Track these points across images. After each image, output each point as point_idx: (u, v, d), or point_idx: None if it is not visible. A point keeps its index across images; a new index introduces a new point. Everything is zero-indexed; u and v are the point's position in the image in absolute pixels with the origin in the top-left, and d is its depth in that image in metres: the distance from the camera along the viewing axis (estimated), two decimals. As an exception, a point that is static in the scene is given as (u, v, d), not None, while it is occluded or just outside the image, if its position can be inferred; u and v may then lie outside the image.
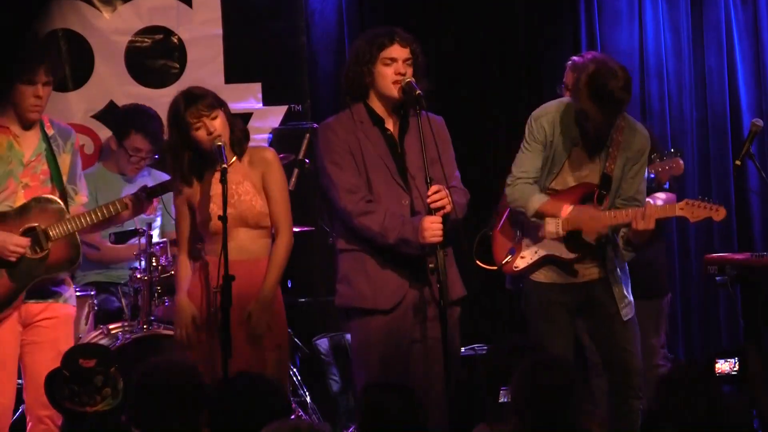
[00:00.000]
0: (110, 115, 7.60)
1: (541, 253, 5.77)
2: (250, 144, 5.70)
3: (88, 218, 5.74)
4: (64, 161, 5.84)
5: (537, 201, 5.70)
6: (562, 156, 5.73)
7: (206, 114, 5.49)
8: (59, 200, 5.75)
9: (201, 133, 5.50)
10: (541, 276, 5.79)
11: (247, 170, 5.57)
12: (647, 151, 5.83)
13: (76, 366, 4.65)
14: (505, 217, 5.92)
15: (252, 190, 5.55)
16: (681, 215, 5.73)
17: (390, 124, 5.56)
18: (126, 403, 4.57)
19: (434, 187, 5.36)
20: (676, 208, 5.71)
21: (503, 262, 5.85)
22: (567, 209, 5.68)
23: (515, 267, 5.81)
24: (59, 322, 5.79)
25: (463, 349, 6.65)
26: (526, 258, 5.81)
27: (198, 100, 5.52)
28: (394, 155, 5.53)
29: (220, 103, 5.55)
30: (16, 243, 5.62)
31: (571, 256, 5.73)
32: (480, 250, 5.92)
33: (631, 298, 5.81)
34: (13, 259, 5.62)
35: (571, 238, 5.72)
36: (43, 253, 5.69)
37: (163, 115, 7.74)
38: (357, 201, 5.46)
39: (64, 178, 5.82)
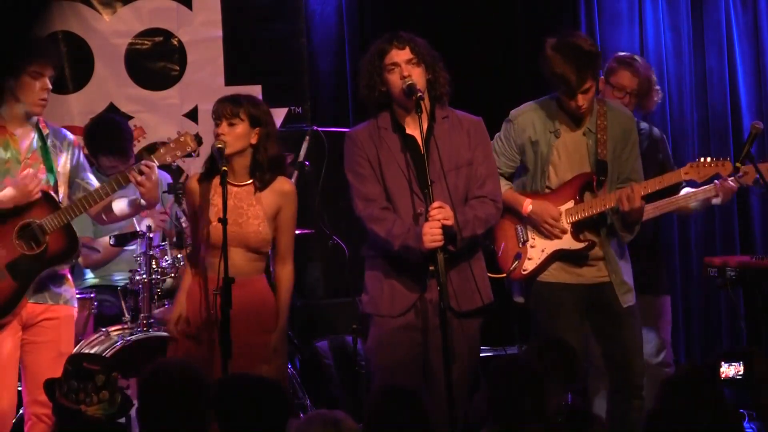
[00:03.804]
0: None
1: (549, 250, 5.79)
2: None
3: (79, 206, 5.72)
4: (65, 161, 5.84)
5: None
6: (549, 151, 5.77)
7: (227, 116, 5.46)
8: (53, 195, 5.75)
9: (216, 131, 5.49)
10: (549, 276, 5.80)
11: (263, 195, 5.53)
12: (634, 131, 5.88)
13: (80, 365, 4.67)
14: (502, 224, 5.88)
15: (262, 215, 5.51)
16: (687, 179, 5.86)
17: (414, 129, 5.49)
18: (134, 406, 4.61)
19: (436, 204, 5.34)
20: (681, 173, 5.84)
21: (511, 269, 5.83)
22: (527, 206, 5.77)
23: (523, 271, 5.82)
24: (60, 323, 5.80)
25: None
26: (533, 259, 5.81)
27: (229, 101, 5.50)
28: (415, 161, 5.48)
29: (253, 120, 5.49)
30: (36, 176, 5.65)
31: (580, 245, 5.77)
32: (486, 261, 5.88)
33: (632, 285, 5.84)
34: (34, 196, 5.64)
35: (577, 227, 5.76)
36: (41, 248, 5.69)
37: (164, 116, 7.81)
38: (371, 208, 5.46)
39: (65, 177, 5.83)
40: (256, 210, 5.52)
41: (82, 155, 5.96)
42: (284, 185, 5.58)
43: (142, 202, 5.82)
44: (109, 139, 7.06)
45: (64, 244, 5.75)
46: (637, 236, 6.04)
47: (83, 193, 5.81)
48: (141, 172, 5.67)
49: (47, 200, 5.73)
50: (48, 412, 5.70)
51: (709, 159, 5.93)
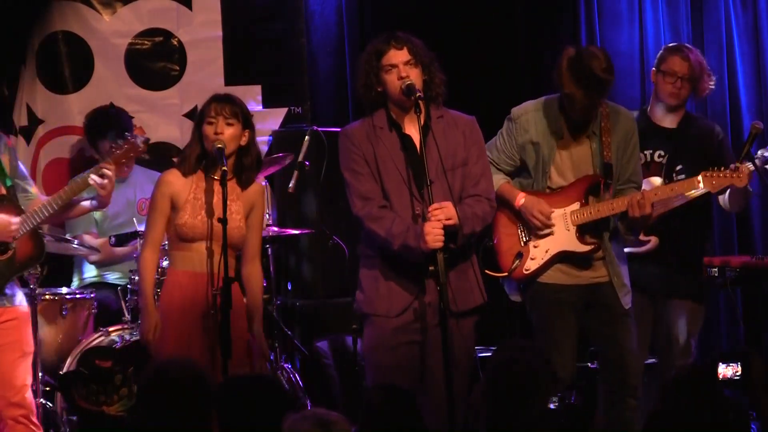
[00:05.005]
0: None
1: (554, 250, 5.76)
2: None
3: (48, 208, 5.70)
4: (4, 161, 5.80)
5: (495, 184, 5.70)
6: (551, 152, 5.76)
7: (225, 116, 5.52)
8: (12, 197, 5.73)
9: (209, 129, 5.52)
10: (548, 277, 5.78)
11: (240, 194, 5.61)
12: (635, 133, 5.87)
13: (94, 366, 4.68)
14: (503, 222, 5.88)
15: (242, 212, 5.61)
16: (700, 187, 5.85)
17: (411, 129, 5.49)
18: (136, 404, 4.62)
19: (435, 205, 5.32)
20: (695, 181, 5.84)
21: (512, 268, 5.80)
22: (520, 199, 5.73)
23: (526, 270, 5.79)
24: (20, 322, 5.79)
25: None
26: (536, 259, 5.79)
27: (227, 101, 5.57)
28: (412, 161, 5.47)
29: (245, 122, 5.58)
30: (15, 222, 5.63)
31: (586, 248, 5.74)
32: (486, 259, 5.86)
33: (630, 287, 5.83)
34: (12, 237, 5.63)
35: (581, 229, 5.74)
36: (10, 253, 5.68)
37: (164, 116, 7.81)
38: (370, 207, 5.45)
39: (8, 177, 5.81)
40: (237, 206, 5.58)
41: (17, 155, 5.93)
42: (258, 186, 5.68)
43: (94, 203, 5.84)
44: (109, 123, 7.08)
45: (32, 249, 5.73)
46: (687, 248, 6.08)
47: (23, 194, 5.79)
48: (102, 176, 5.69)
49: (10, 203, 5.70)
50: (25, 413, 5.69)
51: (723, 169, 5.89)
